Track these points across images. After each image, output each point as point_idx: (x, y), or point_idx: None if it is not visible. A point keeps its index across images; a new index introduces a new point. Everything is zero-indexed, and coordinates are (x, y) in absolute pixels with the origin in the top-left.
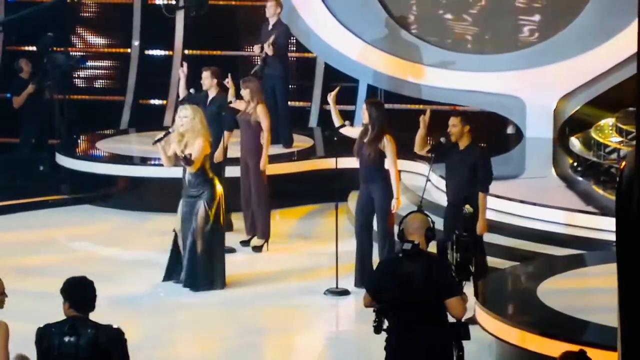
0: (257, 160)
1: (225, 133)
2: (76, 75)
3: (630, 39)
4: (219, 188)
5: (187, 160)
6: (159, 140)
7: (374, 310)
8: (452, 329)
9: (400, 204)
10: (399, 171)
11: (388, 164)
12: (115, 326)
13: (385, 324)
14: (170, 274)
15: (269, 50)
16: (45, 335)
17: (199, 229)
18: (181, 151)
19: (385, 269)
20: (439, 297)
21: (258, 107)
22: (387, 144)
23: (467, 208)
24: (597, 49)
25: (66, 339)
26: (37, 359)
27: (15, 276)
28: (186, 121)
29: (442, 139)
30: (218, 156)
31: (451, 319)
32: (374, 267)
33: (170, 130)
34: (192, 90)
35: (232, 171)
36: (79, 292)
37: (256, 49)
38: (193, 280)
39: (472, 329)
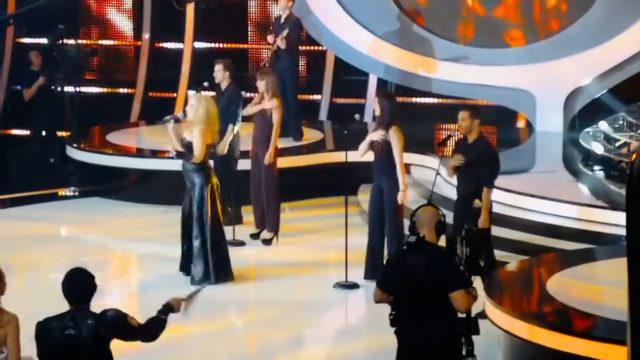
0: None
1: (229, 127)
2: (86, 68)
3: None
4: (214, 179)
5: (187, 148)
6: (167, 120)
7: (389, 303)
8: (462, 324)
9: (408, 196)
10: (407, 164)
11: (394, 155)
12: (110, 312)
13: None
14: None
15: (281, 43)
16: (46, 330)
17: (194, 220)
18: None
19: (392, 262)
20: (441, 289)
21: (272, 100)
22: (393, 135)
23: (477, 202)
24: (608, 43)
25: (67, 332)
26: (38, 353)
27: (25, 268)
28: (191, 110)
29: (450, 133)
30: (222, 149)
31: (461, 314)
32: (384, 260)
33: (179, 115)
34: (205, 84)
35: (243, 164)
36: (72, 285)
37: (269, 39)
38: (193, 272)
39: (482, 322)
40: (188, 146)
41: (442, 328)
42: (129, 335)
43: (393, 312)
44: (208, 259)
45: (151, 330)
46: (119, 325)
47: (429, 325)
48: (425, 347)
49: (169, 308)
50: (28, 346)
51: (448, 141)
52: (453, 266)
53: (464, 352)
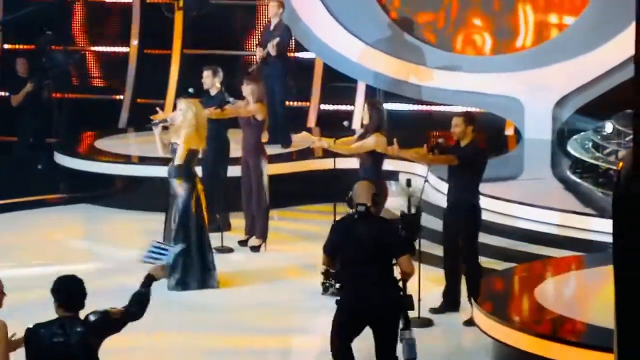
0: (257, 160)
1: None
2: (74, 74)
3: (628, 41)
4: (199, 186)
5: (175, 152)
6: (155, 124)
7: (322, 273)
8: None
9: (394, 203)
10: (395, 171)
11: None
12: (92, 316)
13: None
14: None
15: (272, 50)
16: (35, 336)
17: (177, 227)
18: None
19: (342, 230)
20: (391, 254)
21: (256, 105)
22: (372, 137)
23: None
24: (596, 51)
25: (55, 339)
26: None
27: (13, 275)
28: (179, 114)
29: (440, 140)
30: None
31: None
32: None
33: (168, 119)
34: (191, 90)
35: (232, 171)
36: (66, 291)
37: (258, 52)
38: (169, 279)
39: (470, 330)
40: (176, 151)
41: (388, 290)
42: (117, 329)
43: (326, 281)
44: (188, 266)
45: (134, 312)
46: (104, 325)
47: (378, 288)
48: (373, 306)
49: (150, 278)
50: (18, 353)
51: (436, 148)
52: (399, 234)
53: (401, 326)
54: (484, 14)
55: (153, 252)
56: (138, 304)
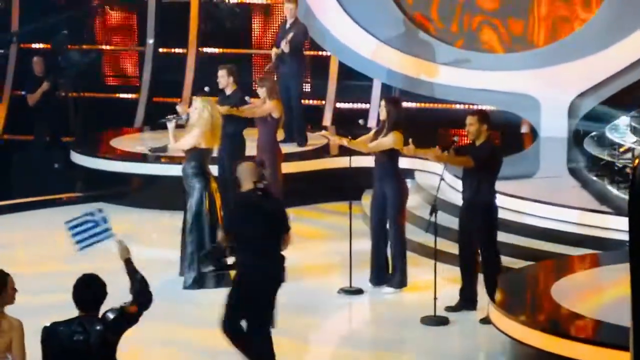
0: (273, 158)
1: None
2: (90, 73)
3: None
4: (213, 184)
5: (186, 151)
6: (169, 119)
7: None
8: None
9: (412, 201)
10: (411, 169)
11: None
12: (109, 314)
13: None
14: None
15: (285, 47)
16: (53, 335)
17: (190, 225)
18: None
19: (245, 207)
20: (285, 229)
21: (272, 102)
22: (390, 136)
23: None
24: (612, 48)
25: (76, 337)
26: (44, 358)
27: (30, 273)
28: (195, 112)
29: (455, 138)
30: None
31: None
32: (374, 260)
33: (182, 116)
34: (207, 89)
35: None
36: (82, 292)
37: (274, 50)
38: (185, 277)
39: (486, 328)
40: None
41: (282, 266)
42: (134, 323)
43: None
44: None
45: (144, 302)
46: (123, 322)
47: (276, 263)
48: (271, 281)
49: (129, 262)
50: (36, 352)
51: (451, 147)
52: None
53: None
54: (499, 10)
55: (82, 234)
56: (143, 293)
